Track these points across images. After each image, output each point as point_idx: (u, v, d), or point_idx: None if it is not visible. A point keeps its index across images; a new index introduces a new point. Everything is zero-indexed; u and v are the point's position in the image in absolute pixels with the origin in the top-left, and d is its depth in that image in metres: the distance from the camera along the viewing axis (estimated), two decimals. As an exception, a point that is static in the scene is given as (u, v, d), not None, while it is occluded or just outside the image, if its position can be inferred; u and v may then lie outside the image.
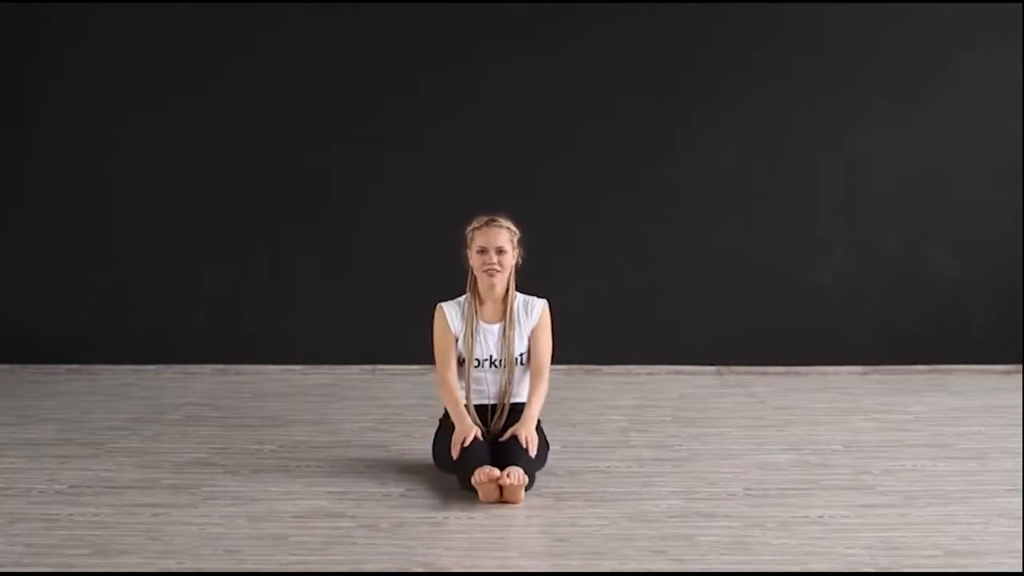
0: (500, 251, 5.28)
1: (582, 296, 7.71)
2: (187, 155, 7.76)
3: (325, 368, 7.69)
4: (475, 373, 5.29)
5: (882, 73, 7.71)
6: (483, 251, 5.27)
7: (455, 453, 5.09)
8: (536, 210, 7.70)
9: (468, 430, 5.14)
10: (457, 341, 5.32)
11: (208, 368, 7.69)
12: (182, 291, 7.79)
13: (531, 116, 7.74)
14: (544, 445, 5.30)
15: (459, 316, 5.34)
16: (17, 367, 7.68)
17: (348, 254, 7.80)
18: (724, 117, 7.75)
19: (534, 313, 5.37)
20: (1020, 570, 4.10)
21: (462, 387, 5.29)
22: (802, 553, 4.26)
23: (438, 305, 5.37)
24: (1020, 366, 7.65)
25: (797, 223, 7.79)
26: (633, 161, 7.76)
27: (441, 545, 4.35)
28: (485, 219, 5.33)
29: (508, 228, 5.33)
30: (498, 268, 5.28)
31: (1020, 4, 7.62)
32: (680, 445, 5.81)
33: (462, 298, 5.39)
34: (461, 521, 4.63)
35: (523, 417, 5.23)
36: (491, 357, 5.29)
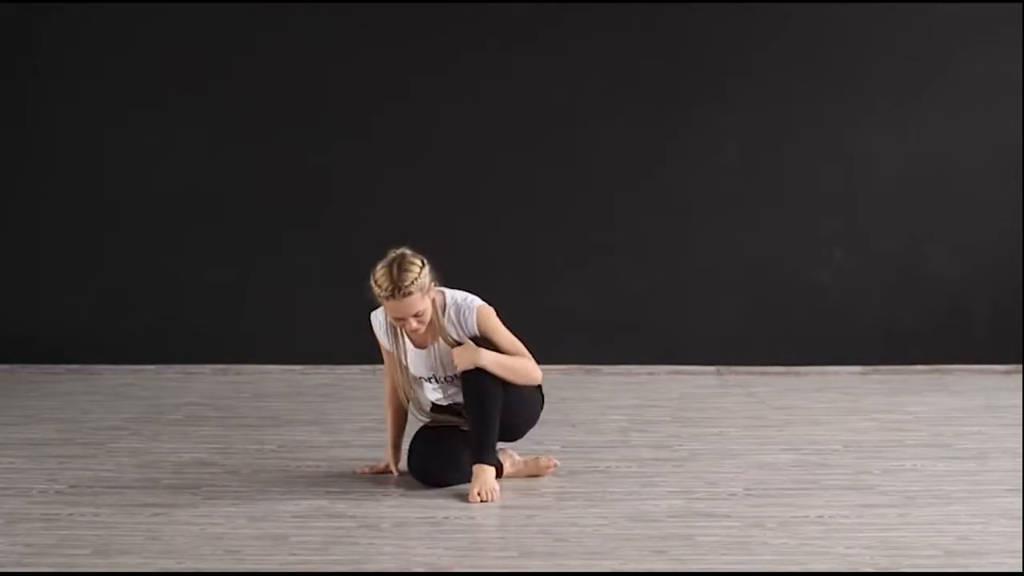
0: (417, 315, 4.86)
1: (582, 296, 7.71)
2: (187, 155, 7.77)
3: (325, 368, 7.69)
4: (429, 385, 5.10)
5: (882, 73, 7.72)
6: (398, 319, 4.87)
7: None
8: (536, 210, 7.73)
9: (385, 460, 5.20)
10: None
11: (208, 368, 7.69)
12: (182, 291, 7.79)
13: (531, 116, 7.74)
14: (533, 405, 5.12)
15: (386, 334, 5.07)
16: (17, 367, 7.68)
17: (348, 254, 7.79)
18: (724, 117, 7.75)
19: (468, 326, 4.96)
20: (1020, 570, 4.10)
21: (437, 389, 5.11)
22: (802, 553, 4.26)
23: (371, 314, 5.09)
24: (1020, 366, 7.65)
25: (797, 223, 7.79)
26: (633, 161, 7.76)
27: (441, 545, 4.35)
28: (388, 286, 4.80)
29: (416, 288, 4.81)
30: (420, 327, 4.90)
31: (1020, 4, 7.62)
32: (680, 445, 5.81)
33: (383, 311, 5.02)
34: (461, 521, 4.63)
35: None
36: (434, 375, 5.05)
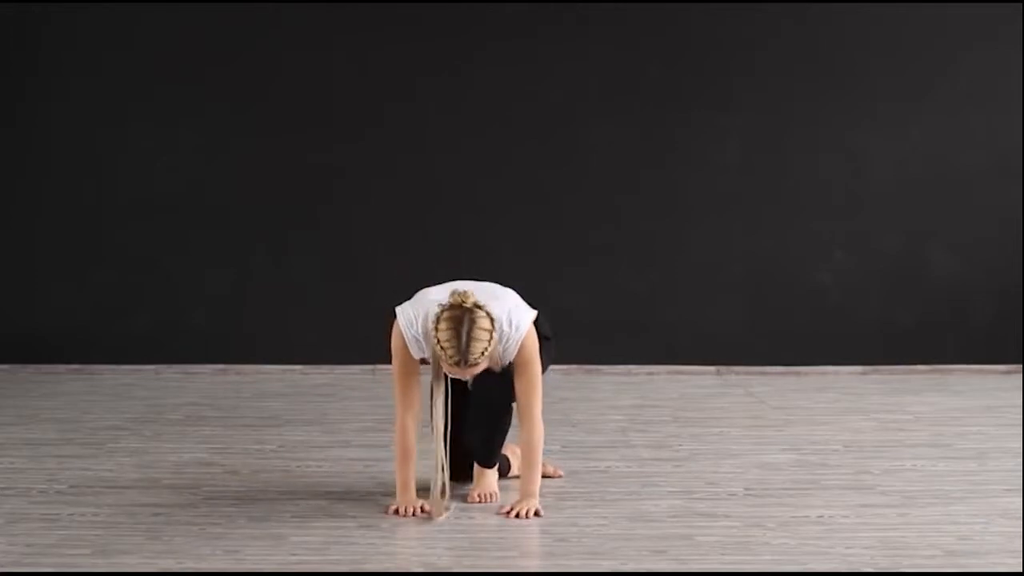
0: (475, 374, 4.51)
1: (582, 296, 7.71)
2: (187, 155, 7.76)
3: (325, 368, 7.69)
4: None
5: (882, 73, 7.72)
6: (454, 373, 4.51)
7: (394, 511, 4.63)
8: (536, 210, 7.73)
9: (410, 502, 4.63)
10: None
11: (208, 368, 7.68)
12: (182, 291, 7.79)
13: (531, 116, 7.74)
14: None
15: (419, 348, 4.61)
16: (17, 367, 7.67)
17: (348, 254, 7.80)
18: (724, 117, 7.75)
19: (510, 352, 4.61)
20: (1020, 570, 4.10)
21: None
22: (802, 553, 4.26)
23: (395, 321, 4.62)
24: (1020, 366, 7.65)
25: (797, 223, 7.79)
26: (633, 161, 7.76)
27: (441, 545, 4.35)
28: (454, 355, 4.36)
29: (485, 358, 4.41)
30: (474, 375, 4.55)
31: (1020, 4, 7.62)
32: (680, 445, 5.81)
33: (420, 324, 4.56)
34: (461, 521, 4.63)
35: (522, 491, 4.69)
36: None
